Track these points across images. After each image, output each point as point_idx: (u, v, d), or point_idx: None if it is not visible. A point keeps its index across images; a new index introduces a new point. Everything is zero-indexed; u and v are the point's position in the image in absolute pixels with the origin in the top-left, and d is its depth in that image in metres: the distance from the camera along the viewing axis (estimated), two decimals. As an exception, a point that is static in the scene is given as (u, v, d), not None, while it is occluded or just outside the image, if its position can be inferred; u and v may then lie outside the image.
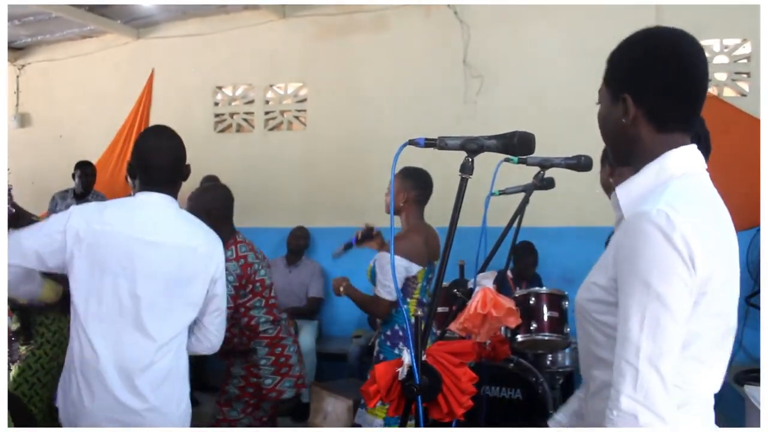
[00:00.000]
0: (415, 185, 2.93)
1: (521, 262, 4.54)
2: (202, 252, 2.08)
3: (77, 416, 1.96)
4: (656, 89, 1.26)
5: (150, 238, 1.98)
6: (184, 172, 2.14)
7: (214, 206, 2.95)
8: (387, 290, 2.77)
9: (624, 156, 1.35)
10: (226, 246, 2.55)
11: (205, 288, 2.10)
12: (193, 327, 2.16)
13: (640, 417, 1.12)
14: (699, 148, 1.31)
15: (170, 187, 2.09)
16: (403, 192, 2.91)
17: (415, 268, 2.82)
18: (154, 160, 2.05)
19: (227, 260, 2.40)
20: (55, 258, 1.95)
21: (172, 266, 2.01)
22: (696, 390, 1.23)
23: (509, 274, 3.32)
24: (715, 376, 1.26)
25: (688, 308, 1.16)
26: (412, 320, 1.54)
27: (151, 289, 1.98)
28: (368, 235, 3.01)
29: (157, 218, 2.03)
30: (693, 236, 1.14)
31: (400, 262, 2.78)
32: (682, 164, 1.26)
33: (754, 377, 3.57)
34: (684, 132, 1.29)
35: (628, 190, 1.28)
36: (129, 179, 2.14)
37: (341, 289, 2.88)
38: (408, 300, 2.85)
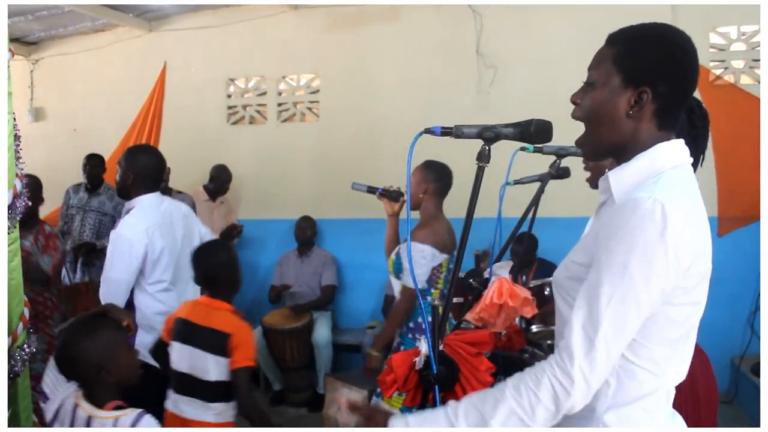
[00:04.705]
0: (436, 177, 2.92)
1: (524, 249, 4.48)
2: (192, 216, 3.14)
3: None
4: (674, 90, 1.26)
5: (171, 219, 2.92)
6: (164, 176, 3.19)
7: None
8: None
9: (611, 147, 1.32)
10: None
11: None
12: None
13: (576, 385, 1.17)
14: (696, 132, 1.32)
15: (158, 188, 2.94)
16: (424, 183, 2.90)
17: (440, 257, 2.81)
18: (148, 171, 2.86)
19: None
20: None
21: (186, 229, 3.01)
22: (666, 379, 1.27)
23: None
24: (682, 366, 1.31)
25: (655, 300, 1.18)
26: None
27: (185, 251, 2.83)
28: (394, 196, 2.95)
29: (165, 206, 2.94)
30: (682, 229, 1.16)
31: (427, 249, 2.77)
32: (673, 157, 1.27)
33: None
34: (675, 129, 1.30)
35: (621, 176, 1.28)
36: (129, 186, 2.86)
37: (375, 355, 2.93)
38: (432, 291, 2.84)
